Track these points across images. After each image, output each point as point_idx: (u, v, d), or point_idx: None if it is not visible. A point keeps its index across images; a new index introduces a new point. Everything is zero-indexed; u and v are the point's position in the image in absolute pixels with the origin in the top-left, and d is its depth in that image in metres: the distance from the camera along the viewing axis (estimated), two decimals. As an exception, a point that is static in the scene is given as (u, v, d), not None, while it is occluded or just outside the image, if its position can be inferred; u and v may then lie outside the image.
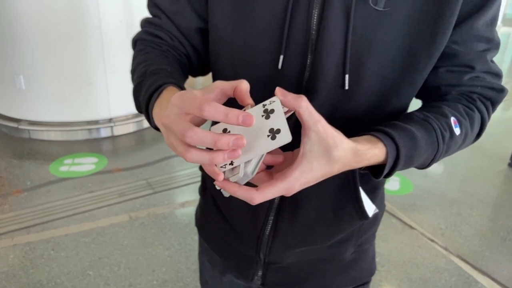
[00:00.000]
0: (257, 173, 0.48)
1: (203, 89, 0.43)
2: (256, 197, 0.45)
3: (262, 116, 0.43)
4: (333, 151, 0.45)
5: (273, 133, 0.42)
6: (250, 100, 0.43)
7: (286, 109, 0.45)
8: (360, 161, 0.50)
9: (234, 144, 0.39)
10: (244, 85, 0.43)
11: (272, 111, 0.43)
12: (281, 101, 0.43)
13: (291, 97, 0.43)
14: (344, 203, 0.67)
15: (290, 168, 0.46)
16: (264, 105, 0.44)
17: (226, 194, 0.48)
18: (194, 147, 0.41)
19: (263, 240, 0.72)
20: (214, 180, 0.77)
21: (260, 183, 0.47)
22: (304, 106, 0.43)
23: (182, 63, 0.66)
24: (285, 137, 0.42)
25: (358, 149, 0.49)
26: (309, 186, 0.64)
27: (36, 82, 3.29)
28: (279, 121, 0.43)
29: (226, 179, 0.45)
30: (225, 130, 0.43)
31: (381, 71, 0.57)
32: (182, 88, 0.56)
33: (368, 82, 0.57)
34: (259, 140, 0.42)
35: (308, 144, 0.45)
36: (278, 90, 0.44)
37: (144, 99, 0.55)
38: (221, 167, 0.43)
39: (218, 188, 0.46)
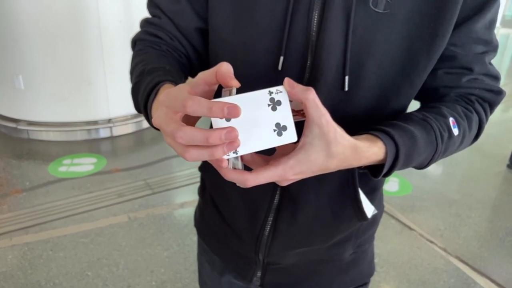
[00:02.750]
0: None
1: (190, 84, 0.42)
2: (250, 178, 0.44)
3: (269, 105, 0.42)
4: (332, 146, 0.45)
5: (280, 128, 0.42)
6: (234, 82, 0.40)
7: (299, 107, 0.44)
8: (359, 159, 0.50)
9: (227, 138, 0.38)
10: (224, 67, 0.40)
11: (279, 103, 0.42)
12: (288, 92, 0.42)
13: (299, 89, 0.42)
14: (343, 204, 0.67)
15: (287, 156, 0.46)
16: (270, 92, 0.42)
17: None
18: (191, 145, 0.40)
19: (262, 241, 0.72)
20: (213, 181, 0.77)
21: (255, 167, 0.47)
22: (311, 99, 0.43)
23: (182, 63, 0.66)
24: (291, 136, 0.42)
25: (357, 146, 0.49)
26: (308, 186, 0.65)
27: (35, 82, 3.28)
28: (286, 117, 0.42)
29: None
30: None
31: (381, 73, 0.57)
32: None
33: (368, 83, 0.57)
34: (264, 131, 0.42)
35: (309, 136, 0.45)
36: (286, 80, 0.42)
37: (142, 98, 0.55)
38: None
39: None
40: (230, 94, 0.41)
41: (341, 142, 0.46)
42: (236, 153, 0.42)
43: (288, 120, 0.42)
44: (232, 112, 0.37)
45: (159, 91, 0.52)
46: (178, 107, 0.39)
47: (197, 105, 0.37)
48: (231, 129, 0.38)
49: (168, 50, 0.65)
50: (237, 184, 0.45)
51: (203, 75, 0.42)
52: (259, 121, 0.41)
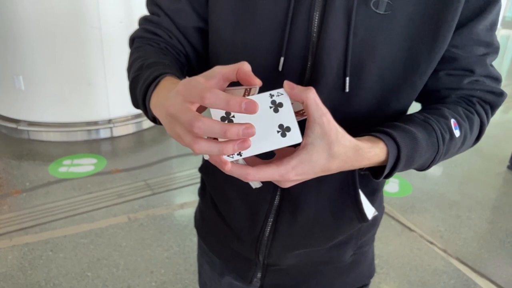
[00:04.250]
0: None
1: (203, 75, 0.42)
2: (251, 173, 0.44)
3: (270, 108, 0.42)
4: (334, 147, 0.45)
5: (283, 130, 0.42)
6: (257, 80, 0.41)
7: (299, 108, 0.44)
8: (360, 160, 0.50)
9: (244, 134, 0.37)
10: (246, 66, 0.41)
11: (281, 104, 0.42)
12: (288, 94, 0.43)
13: (299, 90, 0.43)
14: (344, 205, 0.67)
15: (289, 156, 0.46)
16: (271, 95, 0.42)
17: (255, 185, 0.47)
18: (202, 137, 0.39)
19: (262, 242, 0.72)
20: (213, 182, 0.77)
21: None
22: (312, 98, 0.43)
23: (180, 62, 0.65)
24: (295, 137, 0.42)
25: (359, 147, 0.49)
26: (308, 187, 0.64)
27: (35, 82, 3.28)
28: (289, 118, 0.42)
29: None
30: (227, 114, 0.41)
31: (382, 74, 0.57)
32: (180, 78, 0.54)
33: (369, 84, 0.57)
34: (268, 134, 0.42)
35: (311, 137, 0.45)
36: (286, 83, 0.43)
37: (141, 91, 0.54)
38: (228, 156, 0.42)
39: (206, 158, 0.44)
40: (250, 93, 0.42)
41: (342, 143, 0.46)
42: (241, 155, 0.42)
43: (291, 121, 0.42)
44: (250, 108, 0.37)
45: (160, 83, 0.52)
46: (195, 98, 0.39)
47: (215, 98, 0.37)
48: (249, 125, 0.38)
49: (167, 48, 0.65)
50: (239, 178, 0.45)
51: (221, 70, 0.42)
52: (262, 123, 0.41)
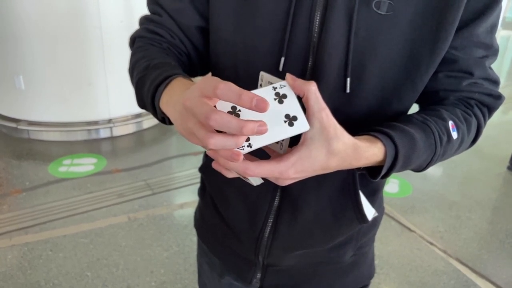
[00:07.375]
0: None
1: None
2: (251, 168, 0.44)
3: (275, 99, 0.43)
4: (334, 143, 0.46)
5: (290, 119, 0.43)
6: None
7: None
8: (359, 159, 0.50)
9: (258, 131, 0.38)
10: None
11: (285, 96, 0.43)
12: (290, 85, 0.43)
13: (300, 82, 0.43)
14: (344, 206, 0.67)
15: (289, 153, 0.46)
16: (274, 88, 0.43)
17: (256, 182, 0.48)
18: (216, 131, 0.40)
19: (262, 242, 0.72)
20: (213, 182, 0.77)
21: None
22: (313, 91, 0.44)
23: (182, 61, 0.65)
24: (303, 125, 0.43)
25: (358, 145, 0.49)
26: (308, 188, 0.64)
27: (36, 82, 3.28)
28: (294, 108, 0.43)
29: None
30: (233, 108, 0.42)
31: (383, 75, 0.57)
32: (190, 79, 0.54)
33: (370, 85, 0.57)
34: (276, 124, 0.42)
35: (310, 132, 0.45)
36: (288, 75, 0.44)
37: (150, 91, 0.54)
38: (238, 149, 0.42)
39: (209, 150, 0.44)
40: None
41: (341, 139, 0.46)
42: (251, 147, 0.42)
43: (297, 111, 0.43)
44: (260, 105, 0.37)
45: (172, 82, 0.52)
46: (208, 90, 0.39)
47: (227, 89, 0.38)
48: (263, 123, 0.38)
49: (169, 47, 0.64)
50: (237, 173, 0.45)
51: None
52: (269, 115, 0.42)
